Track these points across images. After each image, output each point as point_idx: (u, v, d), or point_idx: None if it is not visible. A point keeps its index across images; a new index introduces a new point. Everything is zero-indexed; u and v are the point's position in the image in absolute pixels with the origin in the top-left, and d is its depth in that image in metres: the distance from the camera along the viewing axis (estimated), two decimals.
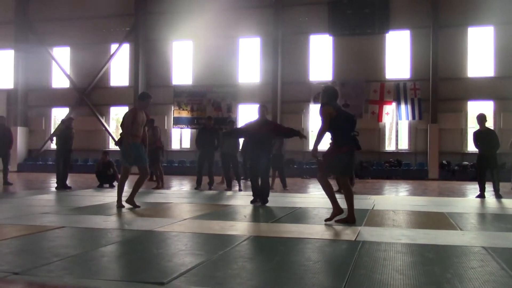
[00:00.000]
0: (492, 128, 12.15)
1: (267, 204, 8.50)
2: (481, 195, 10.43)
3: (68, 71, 24.87)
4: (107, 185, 12.87)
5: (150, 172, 13.01)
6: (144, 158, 7.80)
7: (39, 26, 25.10)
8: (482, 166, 10.66)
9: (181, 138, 23.97)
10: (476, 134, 10.82)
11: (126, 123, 7.60)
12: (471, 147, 19.87)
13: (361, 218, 6.73)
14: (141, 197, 10.05)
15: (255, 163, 8.79)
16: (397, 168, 20.81)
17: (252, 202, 8.76)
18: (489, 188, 10.89)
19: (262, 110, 8.90)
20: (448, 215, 7.17)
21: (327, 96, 6.49)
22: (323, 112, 6.27)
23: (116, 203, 7.90)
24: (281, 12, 22.15)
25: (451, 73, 20.63)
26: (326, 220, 6.23)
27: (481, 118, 10.75)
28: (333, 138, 6.33)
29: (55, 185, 12.27)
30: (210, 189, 12.09)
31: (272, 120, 9.49)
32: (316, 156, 6.24)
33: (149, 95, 7.93)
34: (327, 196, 6.33)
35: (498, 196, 10.36)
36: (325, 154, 6.35)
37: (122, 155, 7.72)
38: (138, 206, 7.82)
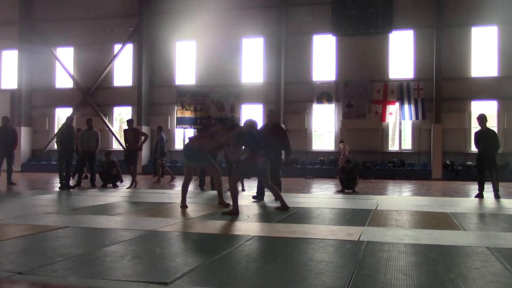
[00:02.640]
0: (493, 128, 12.14)
1: (268, 204, 8.51)
2: (480, 195, 10.43)
3: (71, 71, 24.93)
4: (111, 185, 12.90)
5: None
6: (208, 159, 7.95)
7: (43, 26, 25.18)
8: (481, 166, 10.67)
9: (184, 138, 23.97)
10: (477, 135, 10.87)
11: (208, 134, 8.05)
12: (475, 147, 19.84)
13: (365, 218, 6.73)
14: (143, 197, 10.07)
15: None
16: (401, 168, 20.77)
17: (254, 198, 9.31)
18: (489, 188, 10.87)
19: (270, 115, 9.56)
20: (452, 215, 7.15)
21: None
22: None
23: (180, 203, 7.96)
24: (284, 12, 22.14)
25: (454, 73, 20.59)
26: (223, 213, 7.11)
27: (482, 119, 10.77)
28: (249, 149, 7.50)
29: (59, 185, 12.32)
30: (213, 189, 12.08)
31: (280, 126, 9.95)
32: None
33: (235, 125, 8.28)
34: (231, 195, 7.23)
35: (497, 196, 10.34)
36: (243, 160, 7.58)
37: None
38: (229, 204, 7.88)
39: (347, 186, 11.89)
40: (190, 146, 7.90)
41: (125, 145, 13.81)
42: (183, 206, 7.83)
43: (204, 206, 8.31)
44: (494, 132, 11.09)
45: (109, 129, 24.29)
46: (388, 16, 21.18)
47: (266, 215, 7.30)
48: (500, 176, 11.20)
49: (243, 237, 5.12)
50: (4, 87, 26.02)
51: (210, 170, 8.42)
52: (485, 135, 10.66)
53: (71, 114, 22.66)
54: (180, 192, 8.03)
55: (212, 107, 22.86)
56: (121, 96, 24.24)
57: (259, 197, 9.36)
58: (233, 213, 7.03)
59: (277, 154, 9.34)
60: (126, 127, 13.71)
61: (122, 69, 24.70)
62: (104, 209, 7.66)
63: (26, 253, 4.34)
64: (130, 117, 18.86)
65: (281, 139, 9.41)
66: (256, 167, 7.41)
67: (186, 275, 3.49)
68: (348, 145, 20.10)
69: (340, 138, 21.09)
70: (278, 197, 7.74)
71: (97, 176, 13.30)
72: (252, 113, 22.79)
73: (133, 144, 13.17)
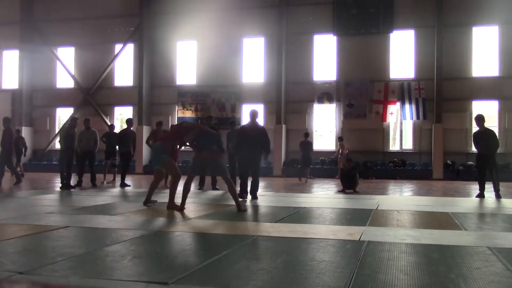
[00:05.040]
0: (494, 128, 12.21)
1: (269, 204, 8.51)
2: (481, 195, 10.43)
3: (72, 71, 24.94)
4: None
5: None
6: (169, 160, 7.98)
7: (44, 26, 25.19)
8: (481, 166, 10.70)
9: None
10: (476, 135, 10.97)
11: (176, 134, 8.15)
12: (474, 148, 19.82)
13: (365, 218, 6.73)
14: (144, 197, 10.07)
15: (246, 161, 9.50)
16: (402, 168, 20.75)
17: (240, 197, 9.29)
18: (490, 188, 10.85)
19: (253, 114, 9.74)
20: (453, 215, 7.14)
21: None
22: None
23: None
24: (285, 12, 22.13)
25: (455, 73, 20.57)
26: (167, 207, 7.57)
27: (479, 119, 10.81)
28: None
29: (60, 185, 12.31)
30: (214, 189, 12.09)
31: (262, 127, 10.20)
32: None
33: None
34: (182, 191, 7.61)
35: (498, 196, 10.35)
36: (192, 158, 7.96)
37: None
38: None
39: (348, 186, 11.88)
40: (157, 146, 8.11)
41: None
42: (181, 208, 7.53)
43: (204, 206, 8.31)
44: (493, 132, 11.12)
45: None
46: (389, 16, 21.16)
47: (266, 215, 7.29)
48: (501, 176, 11.19)
49: (244, 237, 5.12)
50: (5, 87, 26.02)
51: (170, 171, 8.25)
52: (484, 135, 10.70)
53: (72, 114, 22.73)
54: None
55: (213, 107, 22.87)
56: (122, 96, 24.24)
57: (243, 195, 9.50)
58: (177, 209, 7.38)
59: (256, 153, 9.47)
60: (155, 128, 13.44)
61: (123, 69, 24.69)
62: (105, 209, 7.66)
63: (27, 253, 4.34)
64: (160, 119, 17.65)
65: (262, 139, 9.50)
66: (203, 162, 7.68)
67: (187, 275, 3.49)
68: (348, 144, 19.89)
69: (340, 136, 21.00)
70: (233, 195, 7.64)
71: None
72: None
73: None
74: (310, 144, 17.34)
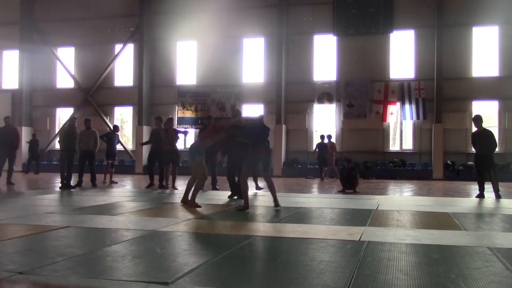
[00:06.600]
0: (494, 128, 12.24)
1: (269, 204, 8.51)
2: (481, 195, 10.43)
3: (72, 71, 24.94)
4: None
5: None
6: (200, 159, 7.97)
7: (44, 26, 25.19)
8: (479, 167, 10.71)
9: (185, 138, 23.95)
10: (474, 135, 11.00)
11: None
12: (473, 148, 19.80)
13: (365, 218, 6.73)
14: (144, 196, 10.07)
15: (235, 161, 9.54)
16: (402, 168, 20.75)
17: (230, 197, 9.74)
18: (490, 188, 10.85)
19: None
20: (453, 215, 7.14)
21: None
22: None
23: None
24: (285, 12, 22.13)
25: (455, 73, 20.56)
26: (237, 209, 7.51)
27: (477, 120, 10.83)
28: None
29: (60, 185, 12.32)
30: (214, 189, 12.09)
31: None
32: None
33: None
34: (242, 193, 7.63)
35: (497, 196, 10.35)
36: (248, 155, 7.66)
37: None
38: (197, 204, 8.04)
39: (348, 186, 11.88)
40: (193, 144, 8.11)
41: (161, 145, 12.63)
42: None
43: (204, 206, 8.30)
44: (491, 132, 11.12)
45: (110, 129, 24.25)
46: (389, 16, 21.16)
47: (267, 215, 7.29)
48: (501, 176, 11.22)
49: (244, 237, 5.12)
50: (5, 87, 26.03)
51: (196, 171, 8.08)
52: (481, 135, 10.72)
53: (72, 114, 22.73)
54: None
55: (213, 107, 22.86)
56: (122, 96, 24.24)
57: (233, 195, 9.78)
58: (245, 208, 7.38)
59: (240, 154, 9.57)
60: (163, 127, 12.86)
61: (123, 69, 24.69)
62: (105, 209, 7.66)
63: (27, 253, 4.34)
64: (170, 116, 16.95)
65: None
66: (259, 160, 7.59)
67: (187, 275, 3.49)
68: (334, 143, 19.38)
69: (341, 137, 20.96)
70: (273, 194, 7.87)
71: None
72: (253, 113, 22.84)
73: (174, 145, 12.58)
74: (326, 146, 18.38)
